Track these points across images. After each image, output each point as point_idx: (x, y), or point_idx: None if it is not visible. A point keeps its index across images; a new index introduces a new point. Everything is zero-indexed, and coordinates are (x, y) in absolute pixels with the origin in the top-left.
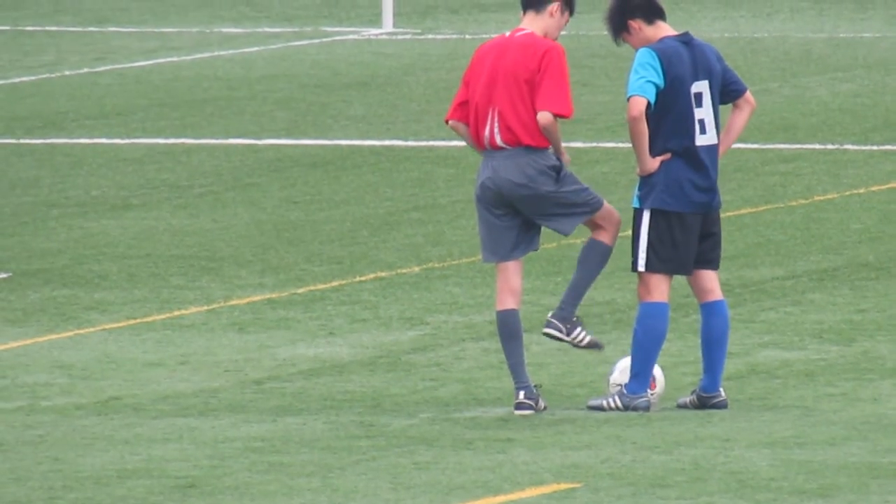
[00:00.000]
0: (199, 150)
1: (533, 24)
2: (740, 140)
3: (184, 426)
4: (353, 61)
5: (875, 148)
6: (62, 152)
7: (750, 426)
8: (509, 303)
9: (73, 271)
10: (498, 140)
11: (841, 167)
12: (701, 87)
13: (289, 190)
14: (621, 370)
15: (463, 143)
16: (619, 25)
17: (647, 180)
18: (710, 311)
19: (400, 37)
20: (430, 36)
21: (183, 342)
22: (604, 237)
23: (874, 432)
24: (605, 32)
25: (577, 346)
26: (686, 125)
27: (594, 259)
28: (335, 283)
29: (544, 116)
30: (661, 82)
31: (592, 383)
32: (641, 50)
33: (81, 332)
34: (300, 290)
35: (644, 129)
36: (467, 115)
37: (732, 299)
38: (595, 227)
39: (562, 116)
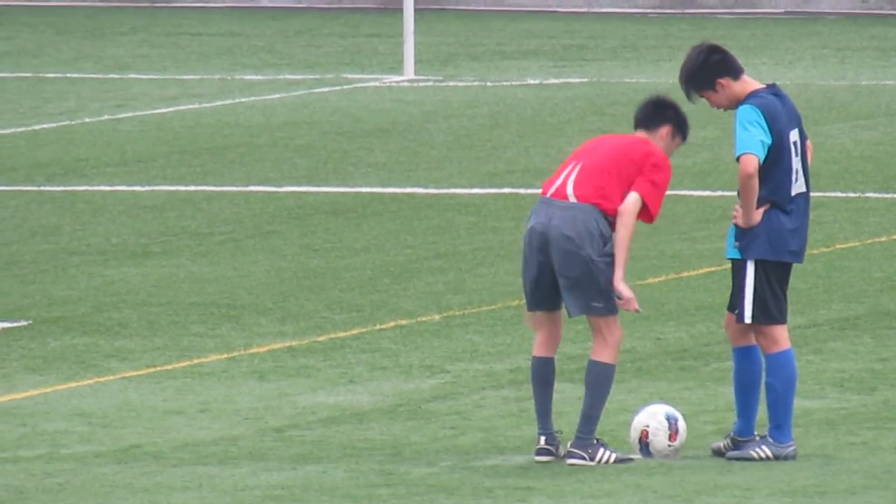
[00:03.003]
0: (219, 198)
1: None
2: None
3: (203, 474)
4: (374, 108)
5: None
6: (83, 199)
7: (770, 475)
8: (546, 350)
9: (93, 319)
10: (569, 191)
11: (863, 215)
12: (795, 136)
13: (309, 237)
14: (650, 413)
15: (482, 190)
16: (705, 84)
17: (746, 231)
18: (745, 355)
19: (421, 84)
20: (451, 83)
21: (203, 390)
22: (605, 356)
23: (895, 481)
24: (631, 79)
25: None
26: (788, 176)
27: (602, 383)
28: (355, 331)
29: (633, 199)
30: (768, 139)
31: (612, 431)
32: (745, 107)
33: (101, 380)
34: (320, 338)
35: (756, 185)
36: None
37: None
38: (597, 340)
39: (645, 219)
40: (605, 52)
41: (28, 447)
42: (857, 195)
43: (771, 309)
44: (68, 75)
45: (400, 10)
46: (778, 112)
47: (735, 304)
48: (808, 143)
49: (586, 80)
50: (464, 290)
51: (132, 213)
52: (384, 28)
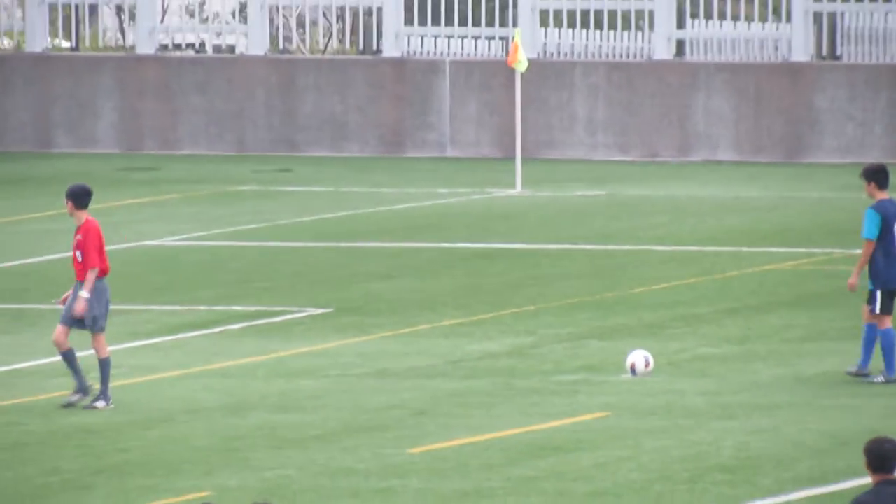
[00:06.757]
0: (430, 250)
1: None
2: None
3: (420, 384)
4: (501, 205)
5: None
6: (360, 250)
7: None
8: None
9: (362, 308)
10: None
11: None
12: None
13: (469, 268)
14: (635, 354)
15: (555, 246)
16: (866, 178)
17: (874, 272)
18: (872, 328)
19: (525, 194)
20: (539, 194)
21: (418, 342)
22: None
23: None
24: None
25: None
26: (893, 244)
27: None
28: (491, 315)
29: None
30: (880, 227)
31: (619, 362)
32: (870, 210)
33: (367, 338)
34: (474, 318)
35: (870, 255)
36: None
37: None
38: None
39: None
40: (615, 179)
41: (328, 369)
42: None
43: (884, 308)
44: (356, 190)
45: (513, 158)
46: (889, 212)
47: (869, 302)
48: None
49: (604, 192)
50: (546, 296)
51: (384, 257)
52: (506, 166)
